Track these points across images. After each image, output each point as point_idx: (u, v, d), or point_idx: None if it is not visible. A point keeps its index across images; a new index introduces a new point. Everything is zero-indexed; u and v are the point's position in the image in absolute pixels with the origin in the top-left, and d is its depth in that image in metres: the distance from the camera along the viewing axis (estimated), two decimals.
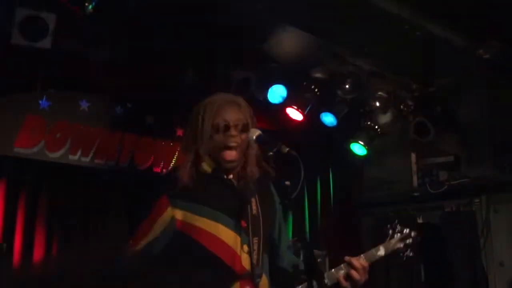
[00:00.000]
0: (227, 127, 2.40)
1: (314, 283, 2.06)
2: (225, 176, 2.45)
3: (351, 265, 2.51)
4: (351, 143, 6.84)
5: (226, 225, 2.32)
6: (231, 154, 2.40)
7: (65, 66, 4.86)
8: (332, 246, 6.87)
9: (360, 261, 2.53)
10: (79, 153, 5.13)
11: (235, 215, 2.36)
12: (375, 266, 7.17)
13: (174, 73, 5.11)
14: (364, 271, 2.54)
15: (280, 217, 2.58)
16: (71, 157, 5.09)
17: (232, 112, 2.43)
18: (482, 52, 4.89)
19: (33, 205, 4.90)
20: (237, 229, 2.33)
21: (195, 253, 2.30)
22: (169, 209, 2.34)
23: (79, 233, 5.08)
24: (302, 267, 2.32)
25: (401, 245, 2.75)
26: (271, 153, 2.27)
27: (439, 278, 6.66)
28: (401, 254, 2.77)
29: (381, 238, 6.78)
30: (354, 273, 2.49)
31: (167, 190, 2.39)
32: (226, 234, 2.31)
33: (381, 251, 2.68)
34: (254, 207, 2.43)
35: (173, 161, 5.52)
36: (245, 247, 2.34)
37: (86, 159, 5.17)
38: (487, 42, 4.77)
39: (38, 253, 4.82)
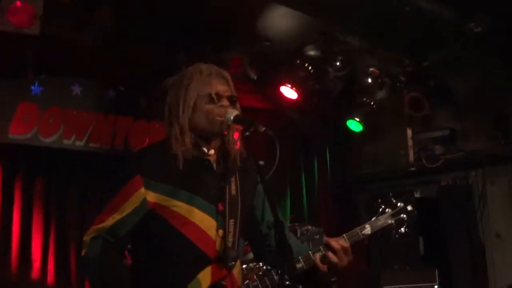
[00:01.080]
0: (219, 97, 2.33)
1: (285, 268, 2.02)
2: (205, 156, 2.35)
3: (328, 247, 2.39)
4: (347, 119, 6.85)
5: (202, 209, 2.26)
6: (222, 127, 2.32)
7: (55, 51, 4.87)
8: (330, 223, 6.92)
9: (340, 242, 2.40)
10: (73, 137, 5.15)
11: (213, 198, 2.29)
12: (371, 239, 7.27)
13: (165, 55, 5.11)
14: (345, 252, 2.39)
15: (262, 196, 2.47)
16: (65, 141, 5.11)
17: (221, 83, 2.37)
18: (472, 26, 4.87)
19: (29, 190, 4.94)
20: (213, 213, 2.28)
21: (168, 236, 2.24)
22: (142, 190, 2.24)
23: (77, 216, 5.12)
24: (269, 224, 2.29)
25: (392, 221, 2.57)
26: (248, 133, 2.26)
27: (436, 251, 6.71)
28: (393, 232, 2.57)
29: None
30: (331, 255, 2.37)
31: (141, 170, 2.27)
32: (202, 218, 2.25)
33: (367, 230, 2.53)
34: (233, 188, 2.37)
35: None
36: (221, 232, 2.29)
37: (80, 143, 5.19)
38: (477, 15, 4.74)
39: (36, 236, 4.87)
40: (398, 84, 6.24)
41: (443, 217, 6.58)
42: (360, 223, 7.13)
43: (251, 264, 4.39)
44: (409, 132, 6.94)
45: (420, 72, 6.19)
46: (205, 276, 2.25)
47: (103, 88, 5.40)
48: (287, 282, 2.16)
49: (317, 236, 5.97)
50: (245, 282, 4.09)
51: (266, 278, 2.46)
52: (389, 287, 5.83)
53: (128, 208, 2.25)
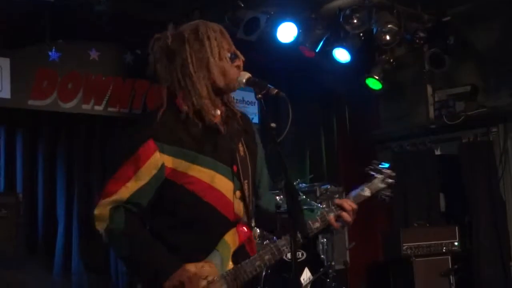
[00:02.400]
0: (235, 57, 2.30)
1: (298, 234, 2.06)
2: (213, 118, 2.28)
3: (341, 207, 2.47)
4: (366, 78, 6.79)
5: (221, 172, 2.25)
6: (236, 82, 2.31)
7: (71, 16, 4.87)
8: (349, 182, 6.93)
9: (349, 203, 2.50)
10: (92, 102, 5.19)
11: (226, 160, 2.28)
12: (394, 197, 7.32)
13: (180, 16, 5.07)
14: (354, 212, 2.50)
15: (262, 158, 2.52)
16: (84, 106, 5.16)
17: (231, 42, 2.33)
18: None
19: (51, 155, 5.02)
20: (230, 175, 2.28)
21: (188, 203, 2.20)
22: (157, 155, 2.16)
23: (98, 178, 5.19)
24: (283, 207, 2.27)
25: (384, 185, 2.66)
26: (260, 96, 2.25)
27: (457, 208, 6.71)
28: (383, 195, 2.69)
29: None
30: (344, 215, 2.47)
31: (153, 133, 2.18)
32: (221, 182, 2.25)
33: (367, 192, 2.61)
34: (241, 149, 2.37)
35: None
36: (238, 193, 2.30)
37: (99, 108, 5.23)
38: None
39: (60, 199, 4.97)
40: (417, 41, 6.14)
41: (464, 174, 6.55)
42: None
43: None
44: (429, 89, 6.87)
45: (440, 27, 6.08)
46: (233, 238, 2.27)
47: (120, 52, 5.40)
48: (301, 241, 2.21)
49: (337, 195, 6.01)
50: (265, 242, 4.15)
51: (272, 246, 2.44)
52: (410, 245, 5.86)
53: (144, 175, 2.17)
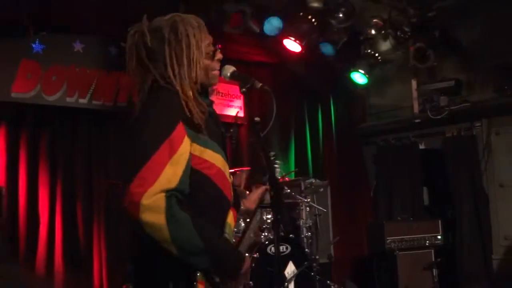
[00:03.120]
0: (215, 51, 2.30)
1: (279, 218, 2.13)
2: (210, 106, 2.30)
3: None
4: (351, 72, 6.82)
5: (223, 156, 2.27)
6: (218, 75, 2.32)
7: (55, 8, 4.82)
8: (334, 176, 6.97)
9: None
10: (76, 95, 5.15)
11: (222, 144, 2.31)
12: (379, 191, 7.36)
13: (166, 9, 5.04)
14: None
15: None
16: (68, 99, 5.11)
17: (208, 34, 2.31)
18: None
19: (34, 148, 4.97)
20: (226, 159, 2.31)
21: (204, 186, 2.18)
22: (187, 139, 2.11)
23: (82, 172, 5.16)
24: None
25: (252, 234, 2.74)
26: (244, 89, 2.25)
27: (440, 202, 6.77)
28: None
29: (384, 167, 6.83)
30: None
31: (181, 116, 2.11)
32: (224, 165, 2.27)
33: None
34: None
35: None
36: (230, 176, 2.37)
37: (83, 101, 5.19)
38: None
39: (43, 193, 4.93)
40: (402, 35, 6.17)
41: (448, 168, 6.61)
42: (367, 175, 7.23)
43: None
44: (414, 83, 6.91)
45: (425, 22, 6.11)
46: (231, 219, 2.33)
47: (105, 45, 5.36)
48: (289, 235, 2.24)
49: (322, 189, 6.03)
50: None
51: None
52: (393, 238, 5.90)
53: (181, 159, 2.08)
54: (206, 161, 2.18)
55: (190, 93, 2.20)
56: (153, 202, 1.98)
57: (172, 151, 2.06)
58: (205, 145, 2.18)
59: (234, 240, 2.38)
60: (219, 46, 2.35)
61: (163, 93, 2.18)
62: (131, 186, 2.00)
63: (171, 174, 2.03)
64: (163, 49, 2.20)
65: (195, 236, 2.02)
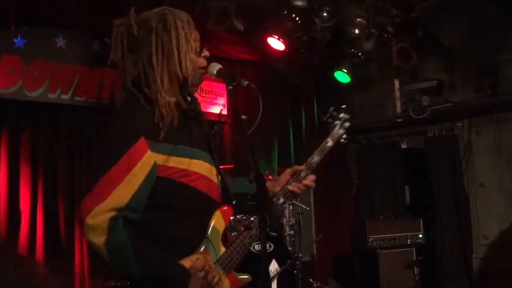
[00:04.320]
0: (202, 47, 2.28)
1: (266, 216, 2.09)
2: (185, 105, 2.26)
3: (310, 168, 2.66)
4: (335, 71, 6.84)
5: (203, 159, 2.26)
6: (203, 74, 2.31)
7: (37, 2, 4.77)
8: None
9: (314, 161, 2.69)
10: (58, 91, 5.08)
11: (203, 146, 2.30)
12: (361, 190, 7.39)
13: (150, 4, 5.01)
14: (311, 180, 2.71)
15: None
16: (50, 95, 5.05)
17: (196, 30, 2.29)
18: None
19: (16, 144, 4.90)
20: (210, 160, 2.31)
21: (179, 193, 2.16)
22: (149, 153, 2.07)
23: (64, 169, 5.10)
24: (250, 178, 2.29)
25: (343, 130, 2.81)
26: (230, 87, 2.24)
27: (422, 201, 6.83)
28: (343, 139, 2.85)
29: (367, 165, 6.88)
30: (299, 186, 2.63)
31: (143, 131, 2.08)
32: (204, 168, 2.26)
33: (330, 143, 2.76)
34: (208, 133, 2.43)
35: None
36: (218, 176, 2.36)
37: (66, 97, 5.13)
38: None
39: (24, 190, 4.87)
40: (386, 35, 6.21)
41: (429, 167, 6.67)
42: (350, 174, 7.27)
43: (238, 216, 4.47)
44: (396, 83, 6.97)
45: (408, 22, 6.16)
46: (219, 221, 2.31)
47: (88, 41, 5.31)
48: (272, 233, 2.25)
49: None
50: (233, 233, 4.16)
51: (251, 230, 2.48)
52: (375, 237, 5.94)
53: (138, 176, 2.05)
54: (179, 169, 2.16)
55: (166, 85, 2.16)
56: (96, 223, 1.99)
57: (130, 166, 2.04)
58: (177, 154, 2.15)
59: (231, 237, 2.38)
60: (206, 44, 2.35)
61: (130, 105, 2.15)
62: (83, 201, 2.02)
63: (124, 191, 2.03)
64: (150, 38, 2.18)
65: (132, 263, 2.01)
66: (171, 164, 2.14)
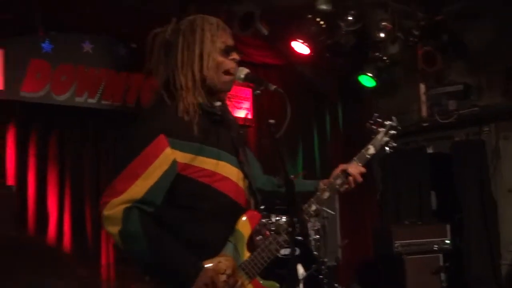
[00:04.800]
0: (231, 50, 2.28)
1: (295, 220, 2.08)
2: (214, 108, 2.29)
3: (348, 173, 2.51)
4: (359, 75, 6.80)
5: (229, 162, 2.26)
6: (231, 80, 2.30)
7: (65, 7, 4.83)
8: None
9: (355, 167, 2.54)
10: (85, 95, 5.15)
11: (231, 149, 2.30)
12: (386, 195, 7.31)
13: (176, 9, 5.05)
14: (361, 175, 2.54)
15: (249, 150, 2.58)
16: (77, 99, 5.11)
17: (230, 36, 2.31)
18: None
19: (43, 148, 4.98)
20: (237, 164, 2.30)
21: (202, 194, 2.18)
22: (168, 150, 2.11)
23: (91, 172, 5.16)
24: (279, 183, 2.24)
25: (388, 138, 2.68)
26: (258, 92, 2.24)
27: (448, 207, 6.74)
28: (387, 148, 2.70)
29: (391, 170, 6.81)
30: (351, 179, 2.52)
31: (163, 128, 2.13)
32: (231, 171, 2.25)
33: (371, 150, 2.64)
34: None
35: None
36: (246, 181, 2.33)
37: (92, 101, 5.19)
38: None
39: (52, 193, 4.93)
40: (411, 39, 6.16)
41: (456, 172, 6.58)
42: (374, 178, 7.18)
43: (263, 220, 4.46)
44: (422, 87, 6.90)
45: (434, 26, 6.10)
46: (245, 226, 2.28)
47: (114, 45, 5.36)
48: (298, 238, 2.22)
49: None
50: (258, 237, 4.13)
51: (278, 236, 2.44)
52: (401, 242, 5.87)
53: (156, 172, 2.11)
54: (203, 169, 2.17)
55: (190, 84, 2.21)
56: (111, 214, 2.06)
57: (148, 163, 2.09)
58: (201, 153, 2.17)
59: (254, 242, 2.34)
60: (238, 48, 2.34)
61: (155, 105, 2.23)
62: (103, 194, 2.11)
63: (140, 186, 2.09)
64: (178, 40, 2.24)
65: (142, 250, 2.07)
66: (197, 164, 2.17)
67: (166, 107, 2.20)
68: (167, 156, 2.12)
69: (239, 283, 2.19)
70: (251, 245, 2.31)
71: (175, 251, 2.11)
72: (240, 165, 2.32)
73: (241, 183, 2.31)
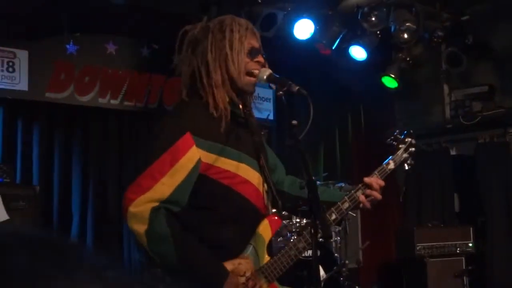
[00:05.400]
0: (257, 52, 2.29)
1: (317, 223, 2.05)
2: (237, 110, 2.30)
3: (368, 186, 2.46)
4: (382, 76, 6.75)
5: (250, 165, 2.26)
6: (253, 83, 2.30)
7: (89, 9, 4.88)
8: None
9: (376, 181, 2.49)
10: (108, 96, 5.20)
11: (252, 153, 2.30)
12: (408, 197, 7.24)
13: (198, 10, 5.07)
14: (381, 189, 2.50)
15: (272, 151, 2.59)
16: (100, 100, 5.17)
17: (256, 39, 2.32)
18: None
19: (67, 148, 5.03)
20: (257, 168, 2.30)
21: (222, 195, 2.19)
22: (194, 149, 2.11)
23: (114, 172, 5.20)
24: (302, 185, 2.23)
25: (407, 155, 2.67)
26: (281, 92, 2.24)
27: (472, 209, 6.66)
28: (406, 164, 2.69)
29: (414, 172, 6.75)
30: (373, 193, 2.47)
31: (190, 126, 2.13)
32: (251, 174, 2.26)
33: (391, 165, 2.62)
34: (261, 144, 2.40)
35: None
36: (265, 185, 2.33)
37: (115, 102, 5.24)
38: None
39: (75, 193, 4.99)
40: (435, 39, 6.09)
41: (480, 175, 6.50)
42: (396, 180, 7.10)
43: (284, 221, 4.46)
44: (446, 88, 6.82)
45: (459, 26, 6.03)
46: (265, 229, 2.29)
47: (137, 46, 5.40)
48: (321, 240, 2.21)
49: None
50: (279, 239, 4.13)
51: (299, 242, 2.43)
52: (423, 245, 5.81)
53: (182, 170, 2.10)
54: (224, 170, 2.18)
55: (219, 81, 2.22)
56: (138, 212, 2.04)
57: (174, 160, 2.09)
58: (223, 154, 2.18)
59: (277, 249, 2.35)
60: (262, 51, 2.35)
61: (179, 105, 2.26)
62: (127, 190, 2.08)
63: (167, 184, 2.08)
64: (207, 38, 2.25)
65: (171, 253, 2.05)
66: (219, 165, 2.17)
67: (193, 105, 2.22)
68: (193, 155, 2.12)
69: (258, 286, 2.19)
70: (271, 249, 2.31)
71: (202, 255, 2.12)
72: (261, 169, 2.32)
73: (261, 187, 2.31)
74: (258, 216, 2.29)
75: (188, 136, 2.12)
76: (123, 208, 2.08)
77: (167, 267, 2.11)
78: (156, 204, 2.06)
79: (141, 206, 2.04)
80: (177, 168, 2.09)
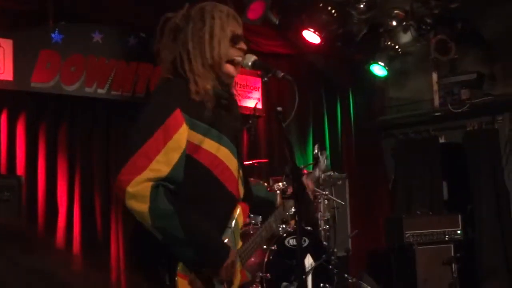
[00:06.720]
0: (238, 39, 2.28)
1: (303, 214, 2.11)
2: (223, 91, 2.30)
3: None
4: (371, 64, 6.74)
5: (229, 148, 2.26)
6: (236, 70, 2.30)
7: None
8: (353, 169, 6.92)
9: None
10: (94, 85, 5.15)
11: (234, 139, 2.30)
12: (397, 185, 7.26)
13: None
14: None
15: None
16: (87, 89, 5.11)
17: (239, 25, 2.32)
18: None
19: (53, 138, 4.98)
20: (235, 154, 2.30)
21: (201, 178, 2.18)
22: (184, 126, 2.10)
23: (100, 162, 5.17)
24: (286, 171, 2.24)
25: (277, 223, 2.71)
26: (266, 79, 2.23)
27: (460, 197, 6.69)
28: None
29: (403, 160, 6.76)
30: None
31: (180, 103, 2.12)
32: (229, 159, 2.26)
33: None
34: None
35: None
36: (240, 172, 2.33)
37: (102, 91, 5.19)
38: None
39: (61, 183, 4.95)
40: (424, 27, 6.08)
41: (468, 162, 6.52)
42: (385, 168, 7.09)
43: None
44: (434, 76, 6.82)
45: (448, 14, 6.02)
46: (240, 216, 2.32)
47: (124, 35, 5.35)
48: (307, 228, 2.25)
49: (340, 182, 5.99)
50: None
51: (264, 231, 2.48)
52: (412, 232, 5.84)
53: (176, 147, 2.08)
54: (206, 151, 2.17)
55: (200, 69, 2.21)
56: (138, 191, 2.02)
57: (167, 138, 2.07)
58: (207, 135, 2.17)
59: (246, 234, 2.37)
60: (247, 37, 2.34)
61: (164, 84, 2.23)
62: (121, 172, 2.04)
63: (163, 162, 2.05)
64: (187, 26, 2.25)
65: (177, 228, 2.04)
66: (204, 146, 2.17)
67: (177, 84, 2.20)
68: (184, 131, 2.11)
69: (238, 270, 2.23)
70: (243, 235, 2.37)
71: (208, 230, 2.14)
72: (238, 155, 2.33)
73: (236, 173, 2.31)
74: (232, 202, 2.31)
75: (178, 112, 2.11)
76: (119, 190, 2.04)
77: (172, 242, 2.08)
78: (154, 182, 2.04)
79: (139, 186, 2.02)
80: (171, 145, 2.08)
